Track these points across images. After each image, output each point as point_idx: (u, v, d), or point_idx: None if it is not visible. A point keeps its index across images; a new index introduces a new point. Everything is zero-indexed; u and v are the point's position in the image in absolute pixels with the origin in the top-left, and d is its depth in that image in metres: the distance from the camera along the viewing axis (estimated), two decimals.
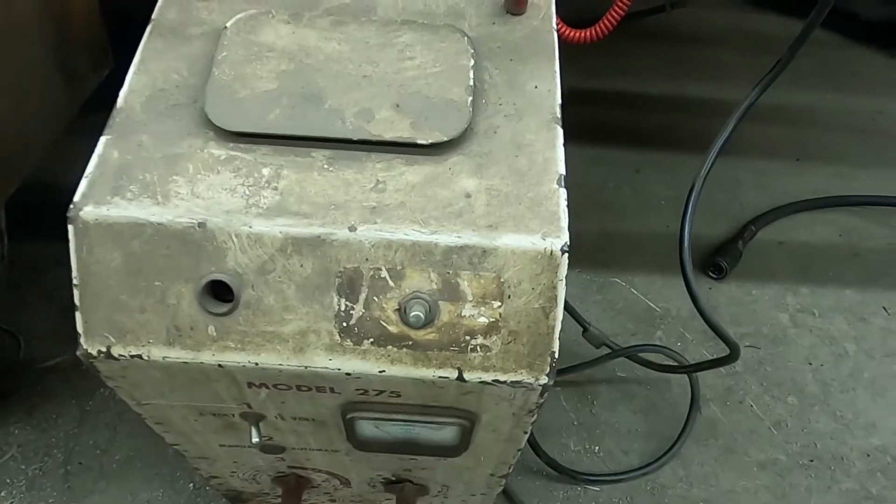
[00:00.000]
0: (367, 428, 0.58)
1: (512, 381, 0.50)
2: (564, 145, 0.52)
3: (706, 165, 1.02)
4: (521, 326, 0.49)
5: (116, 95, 0.53)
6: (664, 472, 1.30)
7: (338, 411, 0.57)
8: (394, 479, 0.76)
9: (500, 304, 0.48)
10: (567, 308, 1.23)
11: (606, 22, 0.93)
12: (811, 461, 1.33)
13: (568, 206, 0.49)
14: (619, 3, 0.85)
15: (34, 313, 1.46)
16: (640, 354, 1.29)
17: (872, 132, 2.20)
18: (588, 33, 0.90)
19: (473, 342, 0.49)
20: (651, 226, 1.78)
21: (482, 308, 0.48)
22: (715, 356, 0.95)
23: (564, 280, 0.48)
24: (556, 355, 0.50)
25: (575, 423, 1.36)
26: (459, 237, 0.47)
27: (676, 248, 0.97)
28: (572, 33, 0.85)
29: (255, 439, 0.59)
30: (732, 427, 1.38)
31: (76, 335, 0.55)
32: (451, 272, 0.48)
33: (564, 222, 0.48)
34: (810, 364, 1.50)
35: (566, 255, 0.48)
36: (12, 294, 1.48)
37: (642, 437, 1.35)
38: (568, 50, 0.69)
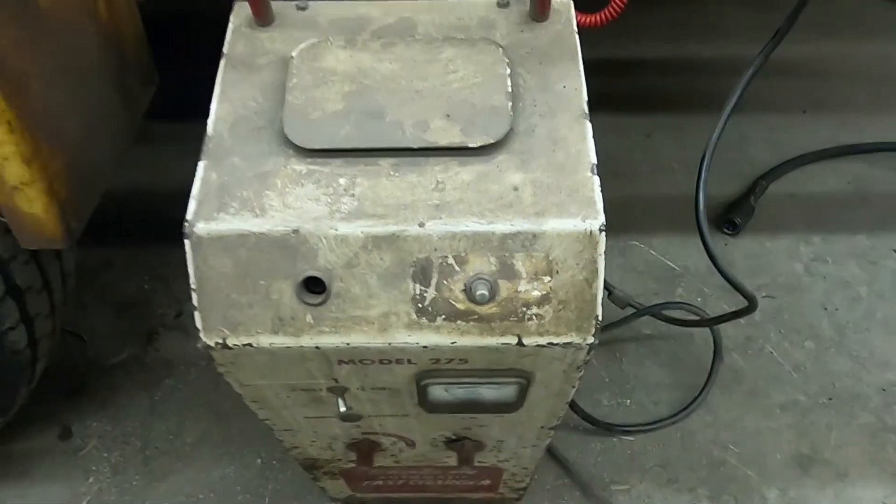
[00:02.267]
0: (438, 392, 0.68)
1: (564, 343, 0.59)
2: None
3: (717, 131, 1.08)
4: (569, 296, 0.58)
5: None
6: (692, 419, 1.40)
7: (412, 379, 0.66)
8: (454, 437, 0.86)
9: (549, 278, 0.57)
10: None
11: (615, 4, 0.99)
12: (830, 399, 1.42)
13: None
14: None
15: (92, 315, 1.57)
16: (664, 312, 1.38)
17: (876, 78, 2.24)
18: (601, 16, 0.96)
19: (529, 312, 0.58)
20: (665, 188, 1.85)
21: (535, 283, 0.57)
22: (734, 308, 1.03)
23: (603, 255, 0.57)
24: (600, 318, 0.59)
25: (606, 379, 1.46)
26: (512, 225, 0.56)
27: (690, 209, 1.05)
28: (586, 18, 0.92)
29: (341, 409, 0.69)
30: (754, 373, 1.47)
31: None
32: (507, 255, 0.56)
33: (600, 206, 0.57)
34: (825, 309, 1.58)
35: (603, 233, 0.56)
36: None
37: (670, 389, 1.44)
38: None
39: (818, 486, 1.30)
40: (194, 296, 0.58)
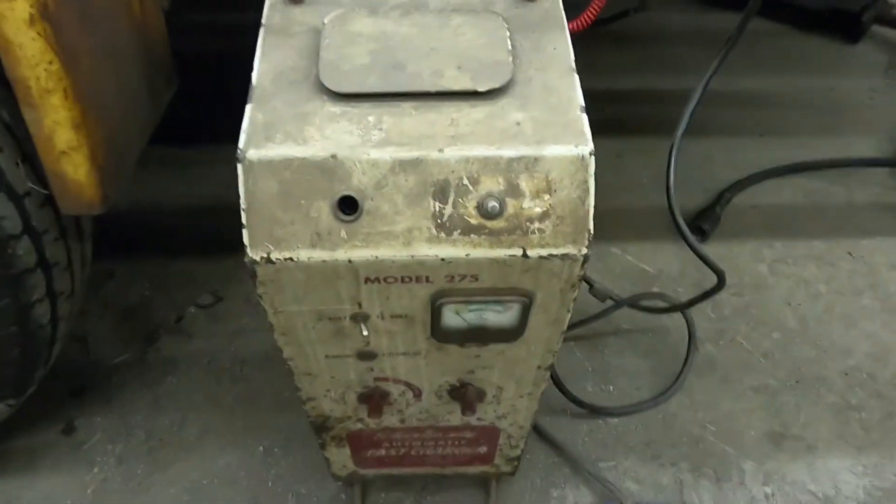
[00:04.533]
0: (449, 316, 0.76)
1: (562, 255, 0.69)
2: None
3: (682, 123, 1.21)
4: (566, 212, 0.68)
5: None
6: (672, 403, 1.49)
7: (428, 303, 0.75)
8: (458, 384, 0.94)
9: (549, 196, 0.67)
10: None
11: (590, 12, 1.13)
12: (797, 382, 1.53)
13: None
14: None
15: (95, 321, 1.63)
16: (641, 302, 1.49)
17: (825, 106, 2.45)
18: (573, 25, 1.10)
19: (532, 227, 0.68)
20: (637, 202, 1.99)
21: (536, 201, 0.67)
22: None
23: (594, 175, 0.67)
24: (592, 232, 0.69)
25: (590, 369, 1.55)
26: (517, 151, 0.67)
27: (661, 219, 1.17)
28: (571, 25, 1.05)
29: (364, 332, 0.77)
30: (727, 361, 1.58)
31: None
32: (512, 176, 0.67)
33: (588, 136, 0.68)
34: (789, 304, 1.71)
35: (593, 157, 0.67)
36: None
37: (649, 376, 1.54)
38: None
39: (790, 459, 1.39)
40: (244, 215, 0.67)
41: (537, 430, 1.40)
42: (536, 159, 0.67)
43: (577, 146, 0.67)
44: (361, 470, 1.23)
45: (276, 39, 0.75)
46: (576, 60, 0.75)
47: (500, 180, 0.67)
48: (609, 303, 1.48)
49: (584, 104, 0.71)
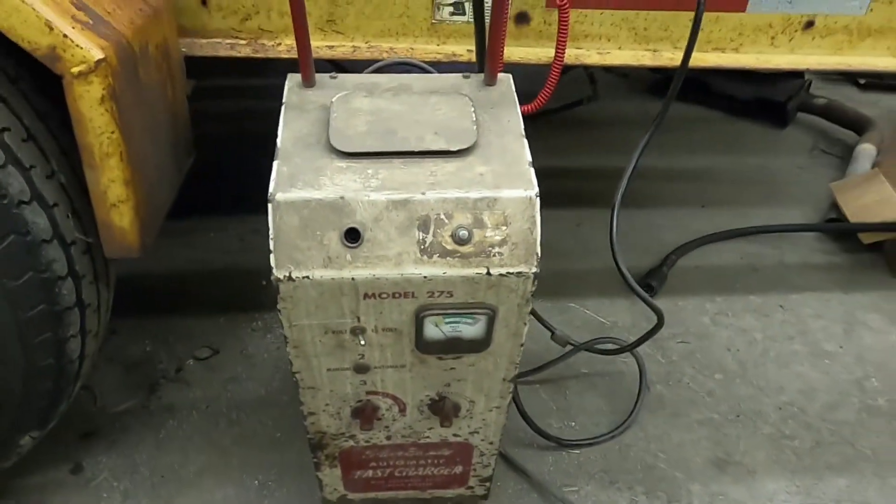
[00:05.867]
0: (430, 328, 0.96)
1: (517, 272, 0.90)
2: None
3: (620, 187, 1.45)
4: (519, 240, 0.89)
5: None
6: (627, 435, 1.66)
7: (413, 317, 0.94)
8: (437, 397, 1.12)
9: (506, 227, 0.89)
10: (537, 317, 1.64)
11: (541, 98, 1.38)
12: (738, 416, 1.72)
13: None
14: (550, 81, 1.31)
15: (101, 373, 1.77)
16: (596, 346, 1.69)
17: (759, 181, 2.76)
18: (527, 107, 1.35)
19: (493, 251, 0.89)
20: (594, 264, 2.22)
21: (496, 231, 0.88)
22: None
23: (539, 214, 0.89)
24: (539, 255, 0.90)
25: (554, 408, 1.73)
26: (481, 193, 0.88)
27: (616, 279, 1.39)
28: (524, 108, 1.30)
29: (362, 343, 0.96)
30: (676, 399, 1.77)
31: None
32: (478, 212, 0.88)
33: (535, 183, 0.90)
34: (729, 350, 1.92)
35: (538, 198, 0.89)
36: None
37: (607, 413, 1.72)
38: None
39: (733, 482, 1.56)
40: (271, 243, 0.87)
41: (507, 459, 1.56)
42: (496, 200, 0.89)
43: (526, 190, 0.89)
44: (350, 494, 1.37)
45: (294, 113, 0.98)
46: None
47: (469, 216, 0.88)
48: (568, 348, 1.68)
49: (531, 160, 0.93)
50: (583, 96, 3.06)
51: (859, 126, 2.96)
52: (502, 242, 0.89)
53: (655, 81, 3.29)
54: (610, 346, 1.69)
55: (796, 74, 3.20)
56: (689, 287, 2.14)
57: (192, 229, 2.23)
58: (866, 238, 2.24)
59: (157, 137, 1.19)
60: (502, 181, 0.90)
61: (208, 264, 2.14)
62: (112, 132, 1.01)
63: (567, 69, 3.23)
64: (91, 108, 0.98)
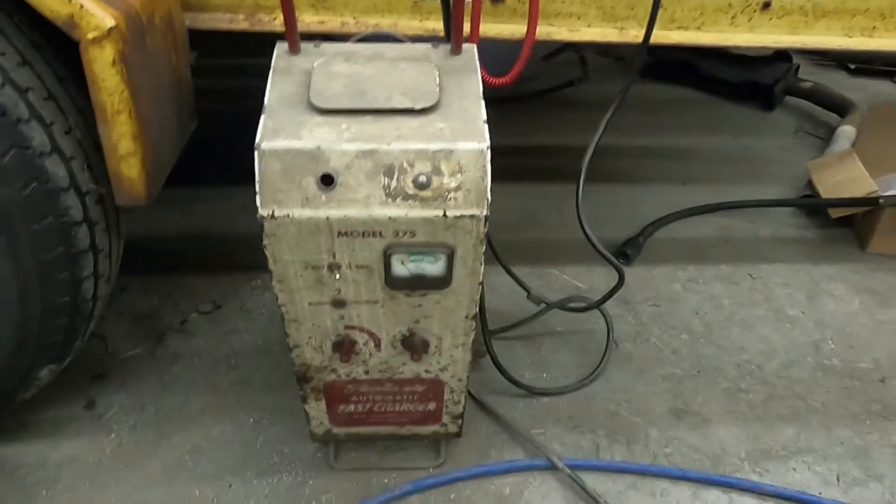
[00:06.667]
0: (397, 266, 1.09)
1: (470, 215, 1.03)
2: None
3: (587, 156, 1.57)
4: (472, 186, 1.02)
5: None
6: (594, 386, 1.80)
7: (381, 254, 1.08)
8: (408, 333, 1.26)
9: (461, 175, 1.02)
10: (514, 278, 1.78)
11: (514, 72, 1.50)
12: (699, 372, 1.85)
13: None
14: (522, 56, 1.43)
15: (111, 324, 1.93)
16: (568, 305, 1.82)
17: (742, 161, 2.87)
18: (503, 80, 1.47)
19: (449, 195, 1.02)
20: (575, 235, 2.32)
21: (452, 178, 1.02)
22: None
23: (489, 163, 1.02)
24: (489, 200, 1.03)
25: (528, 361, 1.87)
26: (440, 145, 1.02)
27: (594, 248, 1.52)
28: (494, 80, 1.43)
29: (337, 277, 1.10)
30: (642, 356, 1.90)
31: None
32: (436, 162, 1.02)
33: (487, 137, 1.03)
34: (697, 314, 2.05)
35: (489, 150, 1.02)
36: None
37: (577, 368, 1.85)
38: (504, 118, 1.24)
39: (688, 428, 1.70)
40: (257, 185, 1.01)
41: (480, 404, 1.70)
42: (452, 151, 1.02)
43: (479, 143, 1.03)
44: (335, 428, 1.52)
45: (280, 76, 1.11)
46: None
47: (428, 164, 1.02)
48: (542, 306, 1.82)
49: (486, 118, 1.06)
50: (574, 77, 3.17)
51: (843, 109, 3.06)
52: (457, 188, 1.03)
53: (647, 65, 3.40)
54: (580, 305, 1.82)
55: (784, 58, 3.31)
56: (663, 256, 2.27)
57: (196, 198, 2.38)
58: (835, 213, 2.35)
59: (162, 100, 1.33)
60: (459, 135, 1.03)
61: (212, 229, 2.29)
62: (122, 91, 1.15)
63: (559, 50, 3.33)
64: (104, 69, 1.12)
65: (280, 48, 1.17)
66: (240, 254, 2.16)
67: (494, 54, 1.49)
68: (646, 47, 1.53)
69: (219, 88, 2.54)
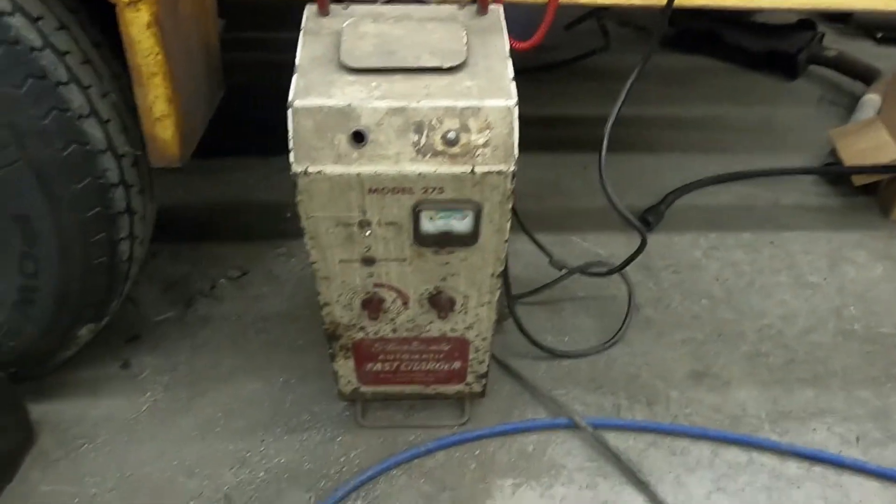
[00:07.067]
0: (426, 222, 1.12)
1: (497, 171, 1.05)
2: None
3: (610, 119, 1.57)
4: (499, 142, 1.05)
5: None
6: (615, 350, 1.83)
7: (411, 211, 1.11)
8: (435, 291, 1.29)
9: (489, 131, 1.04)
10: (537, 244, 1.80)
11: (538, 36, 1.50)
12: (719, 336, 1.87)
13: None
14: (546, 19, 1.44)
15: (143, 289, 1.98)
16: (590, 270, 1.84)
17: (764, 130, 2.85)
18: (527, 44, 1.48)
19: (477, 152, 1.04)
20: (597, 203, 2.34)
21: (480, 135, 1.04)
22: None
23: (517, 120, 1.04)
24: (517, 155, 1.05)
25: (550, 326, 1.89)
26: (468, 102, 1.04)
27: (616, 217, 1.53)
28: (518, 44, 1.44)
29: (367, 233, 1.13)
30: (662, 321, 1.92)
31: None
32: (464, 119, 1.04)
33: (514, 95, 1.05)
34: (717, 280, 2.06)
35: (517, 107, 1.04)
36: None
37: (598, 332, 1.88)
38: (526, 87, 1.23)
39: (708, 390, 1.72)
40: (291, 142, 1.03)
41: (504, 365, 1.74)
42: (479, 108, 1.04)
43: (506, 100, 1.05)
44: (363, 386, 1.56)
45: (311, 38, 1.14)
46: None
47: (456, 121, 1.04)
48: (564, 271, 1.84)
49: (512, 76, 1.08)
50: (595, 47, 3.16)
51: (868, 77, 3.02)
52: (485, 144, 1.05)
53: (669, 36, 3.37)
54: (602, 271, 1.84)
55: (808, 27, 3.26)
56: (685, 224, 2.27)
57: (220, 169, 2.42)
58: (857, 180, 2.34)
59: (194, 65, 1.36)
60: (486, 93, 1.05)
61: (239, 199, 2.33)
62: (157, 54, 1.18)
63: (580, 19, 3.30)
64: (140, 31, 1.15)
65: (310, 10, 1.19)
66: (264, 223, 2.20)
67: (518, 20, 1.51)
68: (670, 8, 1.53)
69: (242, 62, 2.57)
